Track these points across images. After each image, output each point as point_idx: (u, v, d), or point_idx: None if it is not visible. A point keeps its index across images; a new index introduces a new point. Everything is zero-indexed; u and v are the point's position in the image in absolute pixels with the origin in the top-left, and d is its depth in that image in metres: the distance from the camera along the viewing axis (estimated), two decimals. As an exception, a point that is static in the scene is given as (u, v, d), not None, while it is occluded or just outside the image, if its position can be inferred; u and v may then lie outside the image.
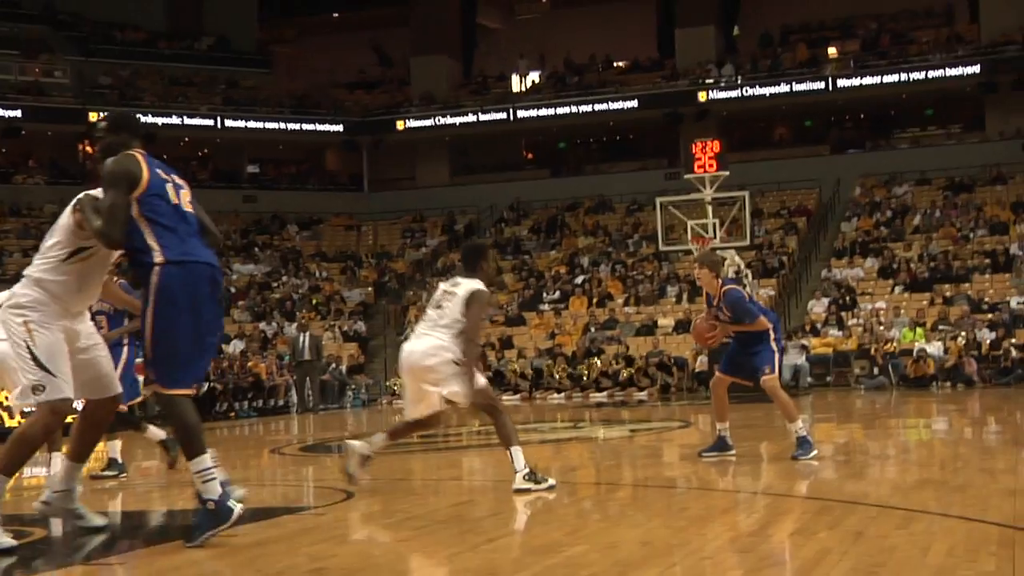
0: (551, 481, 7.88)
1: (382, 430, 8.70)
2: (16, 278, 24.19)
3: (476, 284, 7.90)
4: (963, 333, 24.18)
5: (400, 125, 38.05)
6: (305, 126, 38.35)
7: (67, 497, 6.38)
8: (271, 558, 5.62)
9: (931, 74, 33.70)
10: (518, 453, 7.89)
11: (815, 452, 9.23)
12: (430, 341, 7.80)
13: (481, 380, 8.15)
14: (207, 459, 5.89)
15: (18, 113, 34.51)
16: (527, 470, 7.83)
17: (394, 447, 9.30)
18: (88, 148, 37.40)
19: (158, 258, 5.80)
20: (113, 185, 5.87)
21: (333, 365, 26.25)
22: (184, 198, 6.09)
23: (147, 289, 5.84)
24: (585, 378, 25.16)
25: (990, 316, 25.12)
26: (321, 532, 6.65)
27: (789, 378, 21.97)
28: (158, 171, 6.05)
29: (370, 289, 33.13)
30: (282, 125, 38.03)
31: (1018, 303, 25.59)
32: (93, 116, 35.19)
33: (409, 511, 7.33)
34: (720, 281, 9.57)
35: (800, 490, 7.95)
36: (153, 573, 5.56)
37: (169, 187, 6.03)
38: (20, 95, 35.12)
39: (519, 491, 7.73)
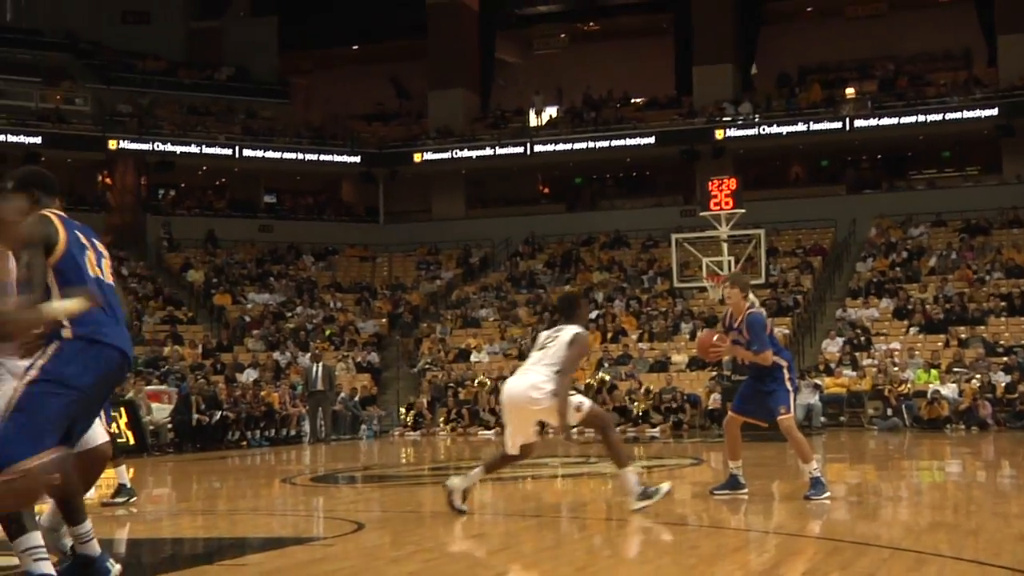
0: (664, 487, 8.65)
1: (479, 462, 9.17)
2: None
3: (577, 328, 8.61)
4: (978, 376, 24.07)
5: (417, 157, 38.22)
6: (322, 157, 38.55)
7: (54, 536, 6.05)
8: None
9: (948, 116, 33.73)
10: (628, 475, 8.56)
11: (828, 493, 9.17)
12: (532, 377, 8.43)
13: (585, 402, 8.72)
14: (36, 537, 5.13)
15: (38, 140, 34.74)
16: (640, 489, 8.48)
17: (419, 480, 9.29)
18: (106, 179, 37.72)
19: (66, 332, 4.99)
20: (29, 247, 5.06)
21: (346, 395, 26.27)
22: (106, 268, 5.34)
23: (39, 356, 5.02)
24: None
25: (1005, 359, 25.01)
26: (330, 563, 6.63)
27: (802, 417, 21.86)
28: (77, 234, 5.26)
29: (384, 320, 33.17)
30: (299, 156, 38.21)
31: (1034, 346, 25.50)
32: (112, 144, 35.52)
33: (419, 543, 7.31)
34: (747, 303, 9.60)
35: (812, 530, 7.90)
36: None
37: (89, 254, 5.26)
38: (40, 122, 35.36)
39: (637, 511, 8.35)
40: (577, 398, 8.70)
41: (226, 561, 6.86)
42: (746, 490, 9.53)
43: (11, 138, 34.38)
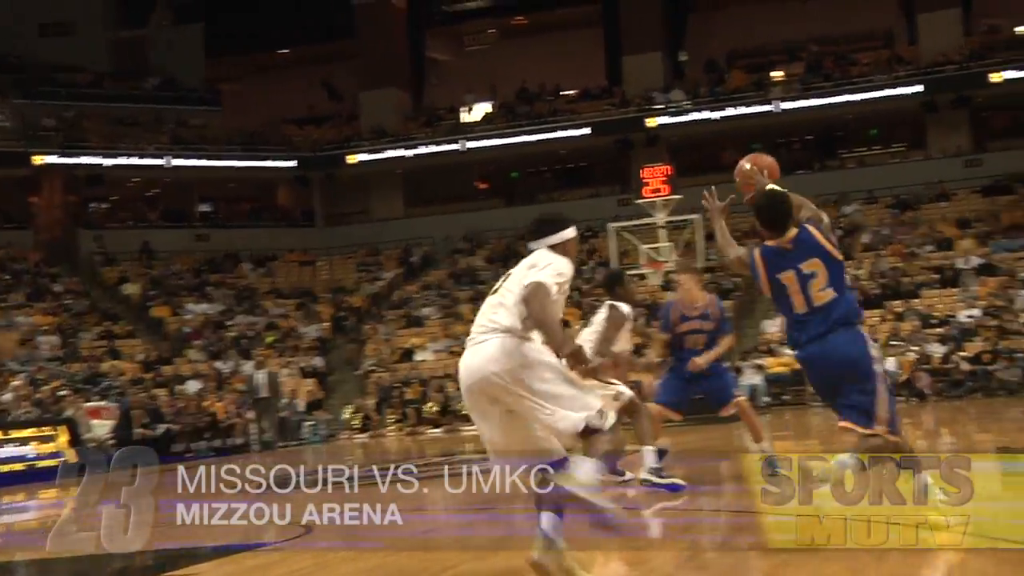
0: (679, 483, 8.89)
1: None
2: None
3: (612, 303, 9.17)
4: (914, 348, 24.48)
5: (351, 159, 38.07)
6: (256, 163, 38.30)
7: None
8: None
9: (874, 95, 34.24)
10: (648, 452, 8.89)
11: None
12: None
13: (625, 391, 8.99)
14: None
15: (-36, 158, 34.22)
16: (657, 467, 8.86)
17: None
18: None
19: None
20: None
21: (289, 401, 26.18)
22: None
23: None
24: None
25: (940, 331, 25.45)
26: (281, 566, 6.62)
27: (747, 397, 22.10)
28: None
29: (327, 324, 33.03)
30: (233, 163, 37.93)
31: (966, 317, 25.93)
32: (37, 159, 35.04)
33: (369, 538, 7.30)
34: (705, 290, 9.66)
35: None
36: None
37: None
38: (-33, 141, 34.85)
39: (643, 481, 8.82)
40: (618, 386, 8.84)
41: (178, 571, 6.84)
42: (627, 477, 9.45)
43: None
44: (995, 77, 33.04)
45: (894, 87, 34.17)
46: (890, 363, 24.20)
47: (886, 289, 28.03)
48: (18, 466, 18.19)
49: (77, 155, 35.69)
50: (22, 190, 36.73)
